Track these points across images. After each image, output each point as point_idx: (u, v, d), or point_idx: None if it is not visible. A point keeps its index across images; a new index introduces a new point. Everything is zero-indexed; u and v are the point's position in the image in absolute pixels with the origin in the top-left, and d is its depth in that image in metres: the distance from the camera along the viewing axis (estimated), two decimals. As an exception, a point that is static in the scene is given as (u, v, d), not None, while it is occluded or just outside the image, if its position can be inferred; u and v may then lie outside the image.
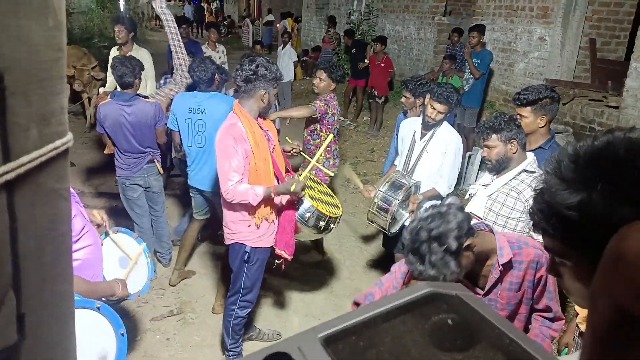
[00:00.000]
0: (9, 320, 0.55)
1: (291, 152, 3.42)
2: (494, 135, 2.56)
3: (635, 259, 0.61)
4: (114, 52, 5.47)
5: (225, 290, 3.73)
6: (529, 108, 2.85)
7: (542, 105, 2.84)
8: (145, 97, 3.94)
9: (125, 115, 3.68)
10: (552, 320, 2.11)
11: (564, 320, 2.15)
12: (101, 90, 5.71)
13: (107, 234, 2.47)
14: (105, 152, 4.10)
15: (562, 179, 0.77)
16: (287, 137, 3.55)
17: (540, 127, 2.87)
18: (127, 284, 2.26)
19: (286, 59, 9.55)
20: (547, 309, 2.08)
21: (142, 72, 3.82)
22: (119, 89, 3.95)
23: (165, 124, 3.93)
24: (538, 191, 0.84)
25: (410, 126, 3.68)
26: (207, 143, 3.62)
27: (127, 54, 5.26)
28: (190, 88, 4.24)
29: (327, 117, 4.09)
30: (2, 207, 0.53)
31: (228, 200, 2.71)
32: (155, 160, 3.93)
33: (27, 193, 0.56)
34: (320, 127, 4.17)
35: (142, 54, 5.35)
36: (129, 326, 3.28)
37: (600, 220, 0.70)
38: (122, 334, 1.84)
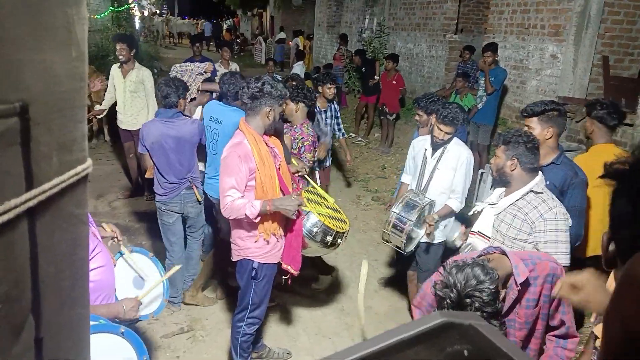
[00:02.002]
0: (28, 345, 0.56)
1: (297, 174, 3.43)
2: (502, 147, 2.59)
3: None
4: (115, 70, 5.58)
5: (203, 283, 3.88)
6: (535, 119, 2.93)
7: (549, 117, 2.90)
8: (188, 116, 3.98)
9: (168, 131, 3.65)
10: (565, 337, 2.08)
11: (577, 338, 2.12)
12: (97, 107, 5.85)
13: (121, 254, 2.47)
14: (147, 175, 3.95)
15: None
16: (293, 160, 3.56)
17: (547, 139, 2.90)
18: (142, 303, 2.25)
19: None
20: (561, 324, 2.06)
21: (186, 92, 3.84)
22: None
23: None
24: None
25: (420, 144, 3.69)
26: (219, 153, 3.66)
27: (129, 72, 5.42)
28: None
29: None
30: (23, 233, 0.54)
31: (226, 216, 2.74)
32: (194, 187, 3.80)
33: (48, 219, 0.57)
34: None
35: (143, 73, 5.51)
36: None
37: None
38: None
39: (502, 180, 2.64)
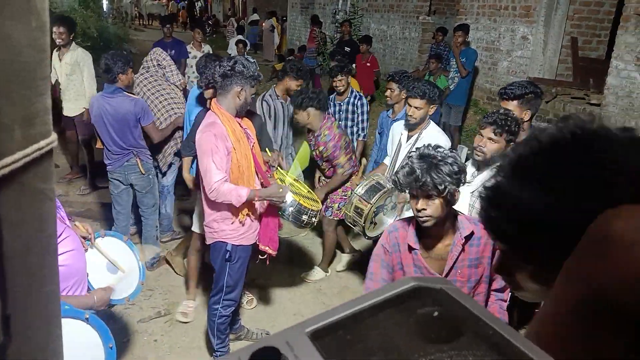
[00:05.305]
0: (-5, 321, 0.55)
1: (268, 164, 3.40)
2: (504, 135, 2.59)
3: (622, 244, 0.60)
4: (54, 54, 5.25)
5: (184, 251, 3.95)
6: (515, 102, 2.93)
7: (527, 100, 2.93)
8: (131, 93, 3.98)
9: (106, 106, 3.78)
10: (502, 290, 2.26)
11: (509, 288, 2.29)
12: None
13: (92, 244, 2.42)
14: (97, 146, 4.17)
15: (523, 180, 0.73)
16: (267, 149, 3.52)
17: (525, 122, 2.93)
18: (115, 289, 2.22)
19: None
20: (498, 278, 2.20)
21: (128, 67, 3.85)
22: None
23: (153, 121, 3.97)
24: (492, 193, 0.79)
25: (398, 129, 3.66)
26: None
27: (64, 55, 5.20)
28: None
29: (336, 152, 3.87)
30: (-13, 208, 0.53)
31: (212, 199, 2.71)
32: (138, 158, 3.92)
33: (12, 194, 0.56)
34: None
35: (78, 54, 5.27)
36: (116, 328, 3.26)
37: (568, 222, 0.67)
38: (111, 347, 1.79)
39: (491, 162, 2.67)
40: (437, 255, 2.07)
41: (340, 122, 4.62)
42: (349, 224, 3.50)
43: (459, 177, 1.92)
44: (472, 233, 2.02)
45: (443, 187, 1.86)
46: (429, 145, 1.99)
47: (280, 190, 2.76)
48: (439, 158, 1.90)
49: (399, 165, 3.48)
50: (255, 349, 0.47)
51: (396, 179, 2.00)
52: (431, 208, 1.92)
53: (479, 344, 0.49)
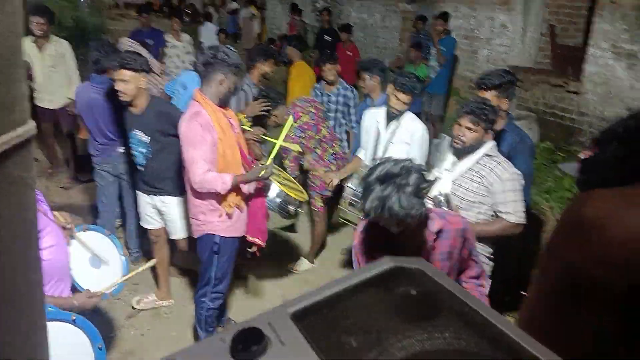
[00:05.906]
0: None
1: (253, 139, 3.41)
2: (482, 124, 2.61)
3: (594, 226, 0.64)
4: (28, 44, 4.99)
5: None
6: (493, 92, 2.93)
7: (505, 89, 2.95)
8: None
9: (95, 96, 3.74)
10: (478, 277, 2.27)
11: (484, 271, 2.34)
12: None
13: (73, 237, 2.39)
14: (80, 136, 4.09)
15: None
16: (246, 125, 3.48)
17: (503, 111, 2.95)
18: (98, 284, 2.21)
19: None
20: (472, 266, 2.22)
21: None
22: None
23: None
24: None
25: (372, 117, 3.66)
26: None
27: (45, 46, 5.03)
28: None
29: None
30: (-35, 197, 0.53)
31: (197, 189, 2.68)
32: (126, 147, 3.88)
33: (-9, 182, 0.56)
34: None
35: (62, 46, 5.16)
36: (102, 323, 3.23)
37: None
38: (100, 348, 1.78)
39: (469, 150, 2.69)
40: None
41: (329, 114, 4.63)
42: (342, 220, 3.53)
43: (426, 188, 1.82)
44: (441, 229, 2.01)
45: (415, 212, 1.75)
46: (386, 160, 1.84)
47: (264, 171, 2.75)
48: (401, 179, 1.75)
49: (381, 154, 3.53)
50: (238, 330, 0.48)
51: (364, 206, 1.82)
52: (402, 225, 1.85)
53: (456, 321, 0.50)
